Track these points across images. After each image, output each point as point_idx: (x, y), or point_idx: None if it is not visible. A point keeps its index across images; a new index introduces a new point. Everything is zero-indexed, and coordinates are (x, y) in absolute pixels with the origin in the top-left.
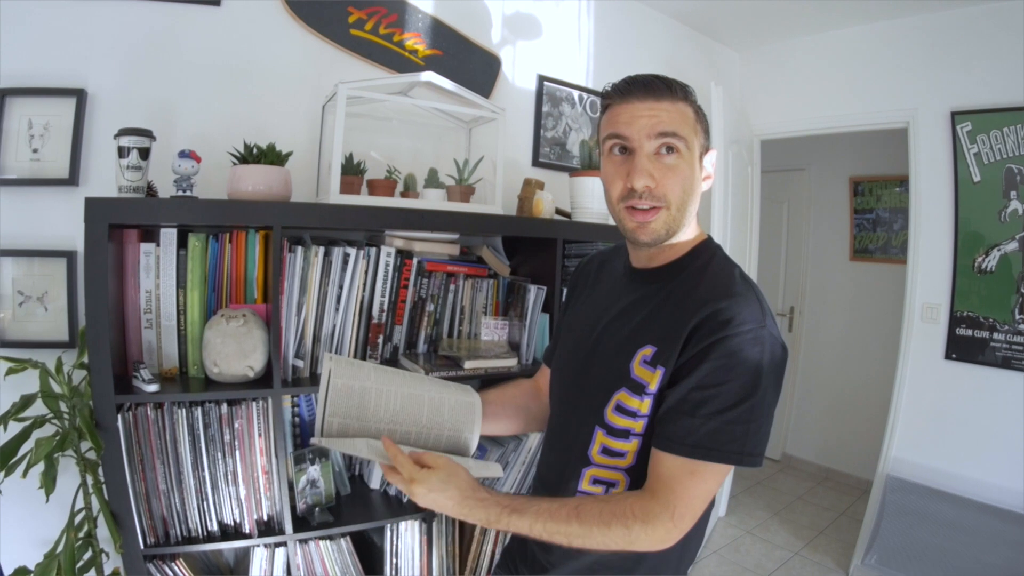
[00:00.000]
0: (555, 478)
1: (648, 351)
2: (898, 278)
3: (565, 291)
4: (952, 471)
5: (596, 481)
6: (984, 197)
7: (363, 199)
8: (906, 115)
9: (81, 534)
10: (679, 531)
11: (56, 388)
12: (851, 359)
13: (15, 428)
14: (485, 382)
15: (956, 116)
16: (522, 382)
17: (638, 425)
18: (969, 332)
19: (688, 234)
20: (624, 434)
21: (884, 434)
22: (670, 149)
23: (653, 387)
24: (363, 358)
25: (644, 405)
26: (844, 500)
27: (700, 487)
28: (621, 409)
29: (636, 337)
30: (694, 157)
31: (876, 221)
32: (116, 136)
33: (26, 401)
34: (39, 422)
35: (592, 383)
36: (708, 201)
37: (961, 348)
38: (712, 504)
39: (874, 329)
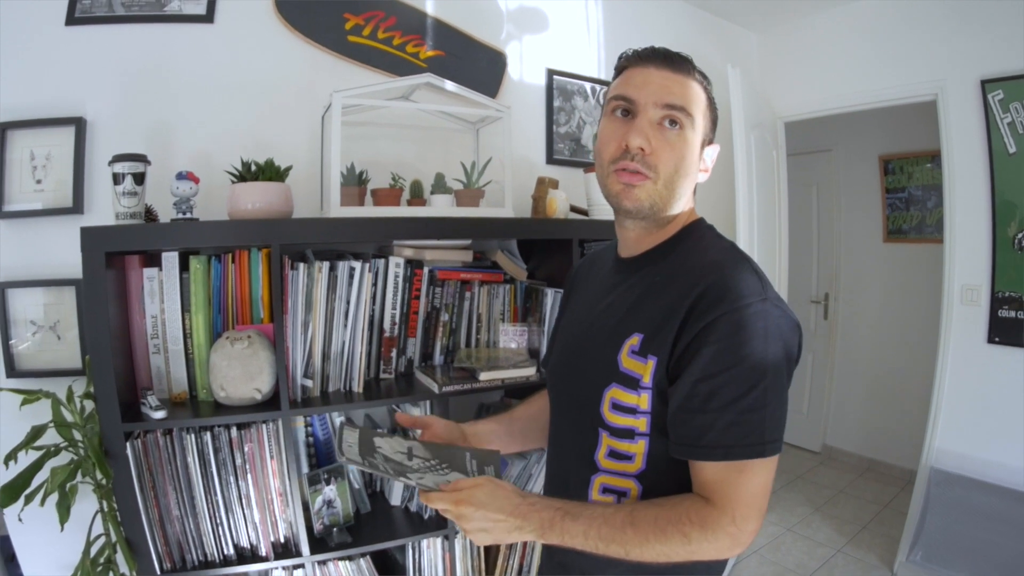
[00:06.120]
0: (562, 491)
1: (635, 340)
2: (935, 258)
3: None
4: (999, 461)
5: (607, 490)
6: (1021, 169)
7: (367, 210)
8: (934, 87)
9: (102, 559)
10: (746, 534)
11: (68, 417)
12: (890, 345)
13: (34, 456)
14: (508, 392)
15: (986, 84)
16: (544, 395)
17: (641, 423)
18: (1012, 313)
19: (677, 219)
20: (628, 434)
21: (927, 424)
22: (673, 122)
23: (647, 380)
24: (376, 373)
25: (643, 400)
26: (888, 492)
27: (753, 482)
28: (618, 407)
29: (622, 327)
30: (697, 138)
31: (909, 200)
32: (110, 163)
33: (36, 433)
34: (52, 452)
35: (585, 382)
36: (731, 189)
37: (1004, 331)
38: None
39: (913, 313)
